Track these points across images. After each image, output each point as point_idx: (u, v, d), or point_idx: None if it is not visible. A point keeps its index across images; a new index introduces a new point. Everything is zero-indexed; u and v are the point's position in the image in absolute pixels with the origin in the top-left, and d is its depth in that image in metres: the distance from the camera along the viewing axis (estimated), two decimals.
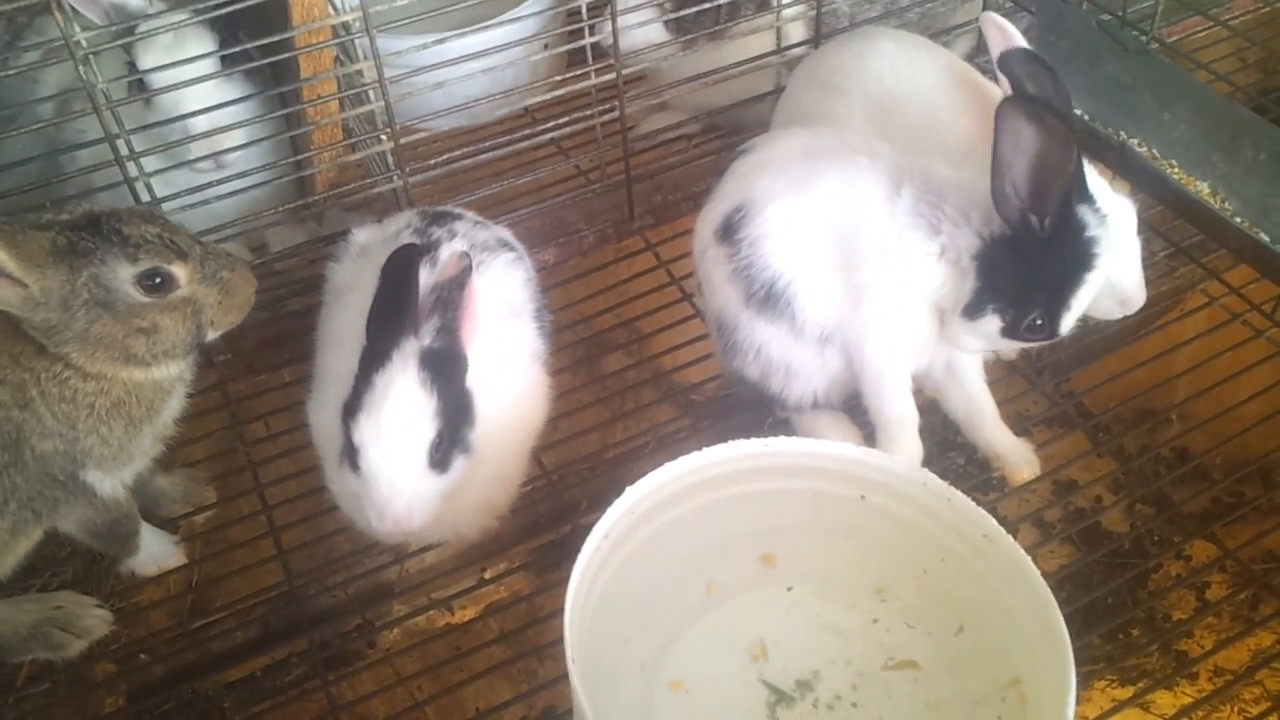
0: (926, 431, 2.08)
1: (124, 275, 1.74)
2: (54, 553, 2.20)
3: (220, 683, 2.25)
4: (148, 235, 1.75)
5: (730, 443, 1.73)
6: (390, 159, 2.37)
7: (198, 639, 2.14)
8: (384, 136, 2.32)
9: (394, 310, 1.79)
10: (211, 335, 1.89)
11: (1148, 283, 2.11)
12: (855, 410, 2.16)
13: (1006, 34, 2.07)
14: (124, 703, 2.11)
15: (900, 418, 2.04)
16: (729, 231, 2.01)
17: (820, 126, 2.19)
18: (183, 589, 2.29)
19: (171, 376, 1.90)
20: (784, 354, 2.05)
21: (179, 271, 1.79)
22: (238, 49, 2.20)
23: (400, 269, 1.81)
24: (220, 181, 2.27)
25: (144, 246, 1.74)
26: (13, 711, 2.00)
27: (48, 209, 1.79)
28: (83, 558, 2.22)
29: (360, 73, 2.24)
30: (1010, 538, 1.63)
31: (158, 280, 1.76)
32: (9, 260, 1.66)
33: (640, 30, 2.60)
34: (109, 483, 1.92)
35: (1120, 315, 2.12)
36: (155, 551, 2.14)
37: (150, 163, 2.18)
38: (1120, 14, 2.54)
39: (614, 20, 2.36)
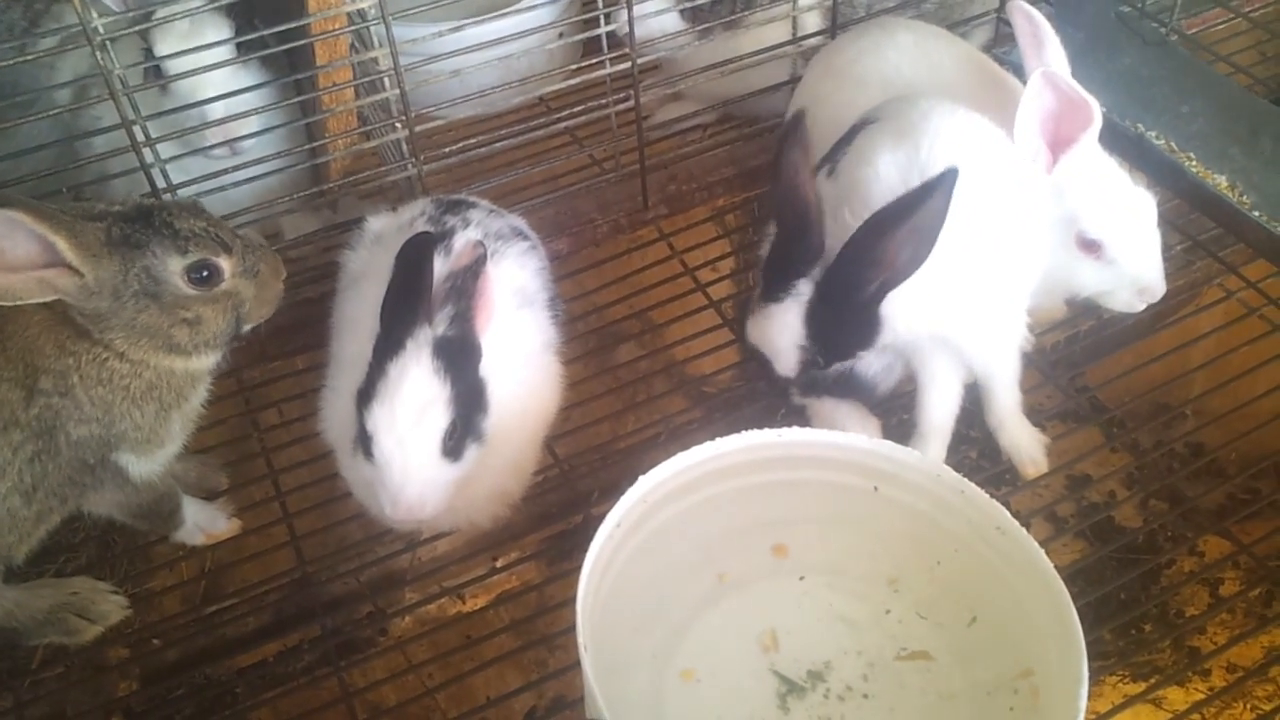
0: None
1: (173, 267, 1.76)
2: (68, 538, 2.21)
3: (232, 668, 2.25)
4: (196, 229, 1.77)
5: (743, 433, 1.74)
6: (405, 147, 2.37)
7: (210, 624, 2.15)
8: (399, 124, 2.32)
9: (408, 298, 1.79)
10: (246, 328, 1.90)
11: (1165, 276, 2.10)
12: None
13: (1034, 22, 2.06)
14: (137, 686, 2.12)
15: (945, 426, 2.09)
16: None
17: None
18: (195, 575, 2.30)
19: (207, 367, 1.92)
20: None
21: (224, 264, 1.81)
22: (253, 35, 2.20)
23: (415, 257, 1.81)
24: (235, 168, 2.28)
25: (193, 239, 1.76)
26: (28, 694, 2.01)
27: (64, 194, 1.79)
28: (96, 542, 2.23)
29: (375, 60, 2.24)
30: (1023, 529, 1.63)
31: (205, 273, 1.79)
32: (69, 250, 1.67)
33: (656, 19, 2.59)
34: (141, 465, 1.93)
35: (1141, 307, 2.11)
36: (200, 520, 2.15)
37: (166, 149, 2.19)
38: (1139, 5, 2.53)
39: (629, 9, 2.35)
